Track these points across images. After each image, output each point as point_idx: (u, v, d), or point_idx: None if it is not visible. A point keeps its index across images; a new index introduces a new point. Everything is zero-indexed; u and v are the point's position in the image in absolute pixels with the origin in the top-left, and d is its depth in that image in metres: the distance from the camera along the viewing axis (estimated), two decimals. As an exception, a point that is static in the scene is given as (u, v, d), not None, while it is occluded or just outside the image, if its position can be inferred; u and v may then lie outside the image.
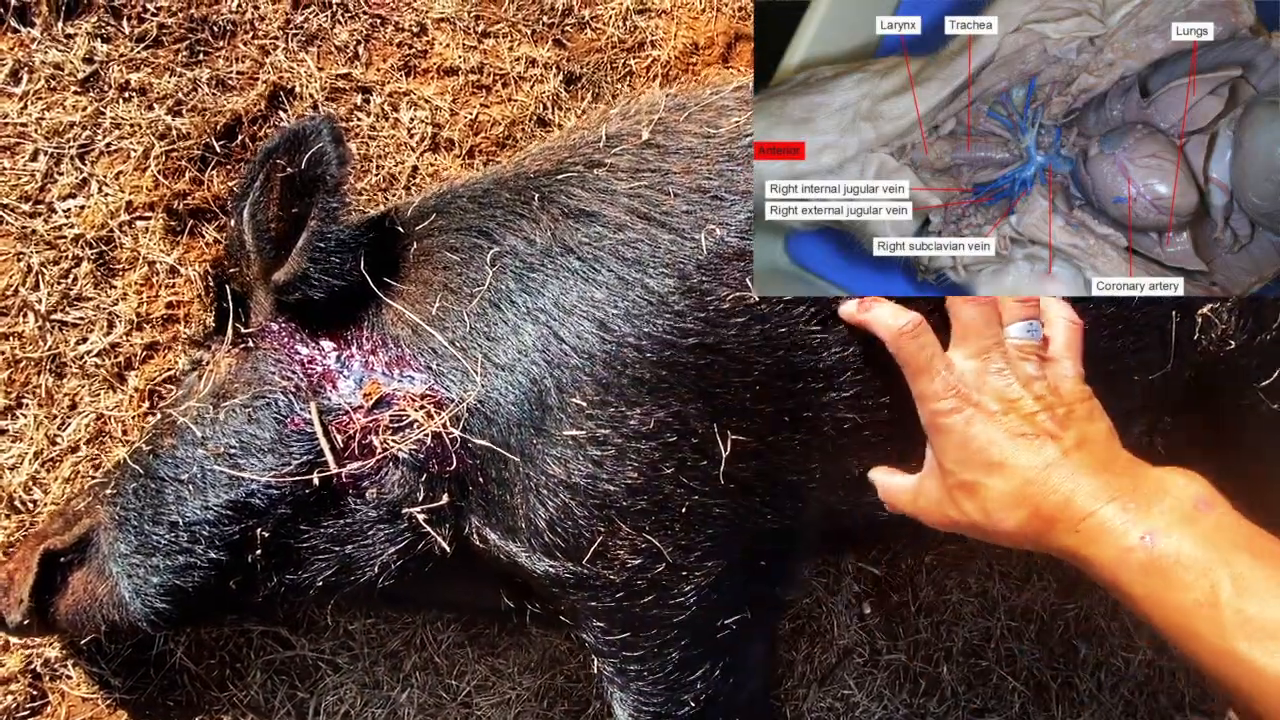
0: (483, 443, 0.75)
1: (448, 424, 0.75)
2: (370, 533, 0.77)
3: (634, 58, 1.30)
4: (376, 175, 1.14)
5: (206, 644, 0.99)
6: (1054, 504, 0.61)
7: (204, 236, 1.08)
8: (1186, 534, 0.57)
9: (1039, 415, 0.65)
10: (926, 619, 1.22)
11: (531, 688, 1.07)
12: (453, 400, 0.76)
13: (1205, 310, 0.93)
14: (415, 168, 1.17)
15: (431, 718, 1.04)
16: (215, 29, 1.12)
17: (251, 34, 1.13)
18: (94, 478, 0.95)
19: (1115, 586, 0.59)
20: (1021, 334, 0.69)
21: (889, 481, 0.74)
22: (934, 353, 0.68)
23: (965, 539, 1.22)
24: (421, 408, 0.75)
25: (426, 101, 1.18)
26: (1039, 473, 0.62)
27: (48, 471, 0.98)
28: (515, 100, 1.22)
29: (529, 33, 1.25)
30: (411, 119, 1.17)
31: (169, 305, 1.05)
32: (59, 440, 0.99)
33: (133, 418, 1.00)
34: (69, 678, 0.95)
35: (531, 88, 1.23)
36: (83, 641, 0.90)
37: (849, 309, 0.71)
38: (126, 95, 1.07)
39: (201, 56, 1.11)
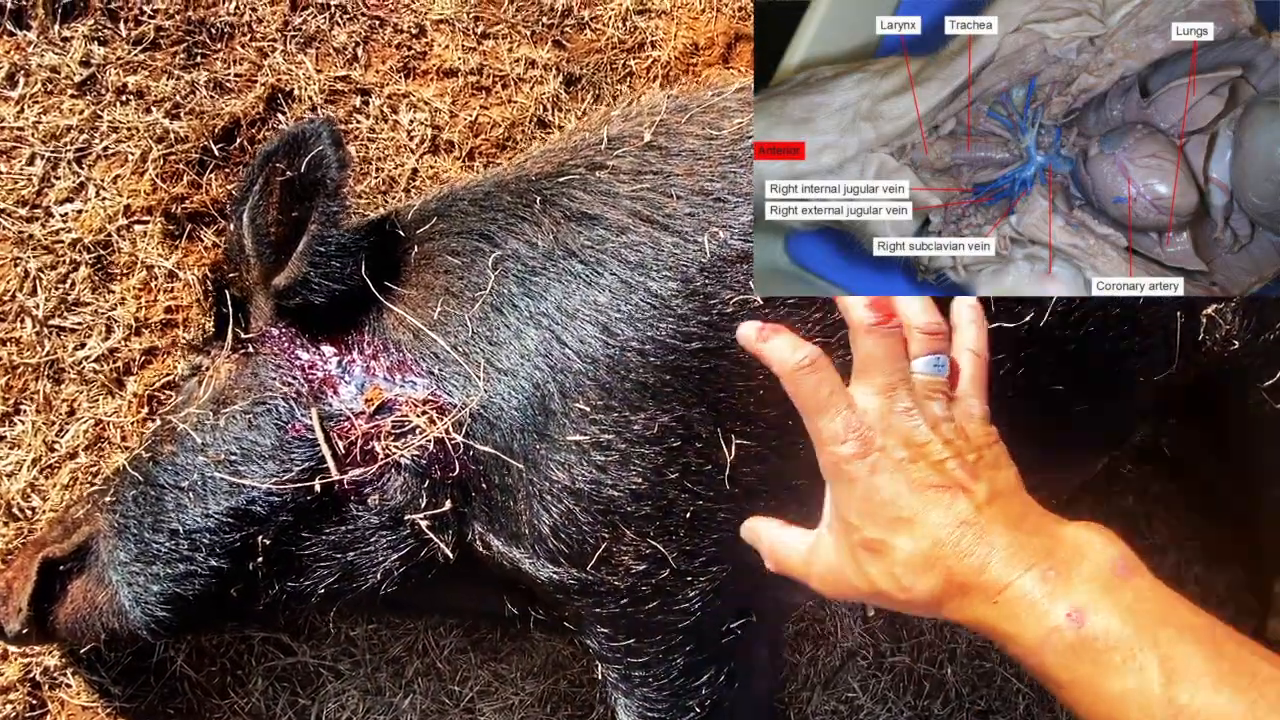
0: (485, 448, 0.74)
1: (450, 429, 0.74)
2: (373, 539, 0.77)
3: (634, 58, 1.29)
4: (376, 178, 1.14)
5: (207, 651, 0.98)
6: (968, 569, 0.56)
7: (202, 240, 1.07)
8: (1111, 609, 0.52)
9: (949, 463, 0.59)
10: (930, 621, 1.21)
11: (534, 693, 1.07)
12: (455, 405, 0.75)
13: (1209, 311, 0.93)
14: (415, 170, 1.16)
15: (434, 724, 1.03)
16: (213, 31, 1.11)
17: (249, 36, 1.13)
18: (93, 484, 0.94)
19: (1039, 670, 0.54)
20: (928, 369, 0.62)
21: (776, 537, 0.66)
22: (833, 389, 0.61)
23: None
24: (424, 413, 0.75)
25: (426, 103, 1.18)
26: (951, 532, 0.56)
27: (46, 478, 0.97)
28: (515, 102, 1.22)
29: (528, 34, 1.24)
30: (411, 121, 1.17)
31: (168, 310, 1.04)
32: (57, 447, 0.98)
33: (132, 423, 1.00)
34: (68, 686, 0.95)
35: (531, 89, 1.22)
36: (82, 650, 0.89)
37: (747, 333, 0.64)
38: (124, 98, 1.07)
39: (199, 59, 1.11)
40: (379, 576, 0.77)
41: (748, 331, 0.64)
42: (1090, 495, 1.31)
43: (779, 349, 0.63)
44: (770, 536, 0.66)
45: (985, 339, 0.66)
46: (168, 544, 0.76)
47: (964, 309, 0.68)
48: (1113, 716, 0.51)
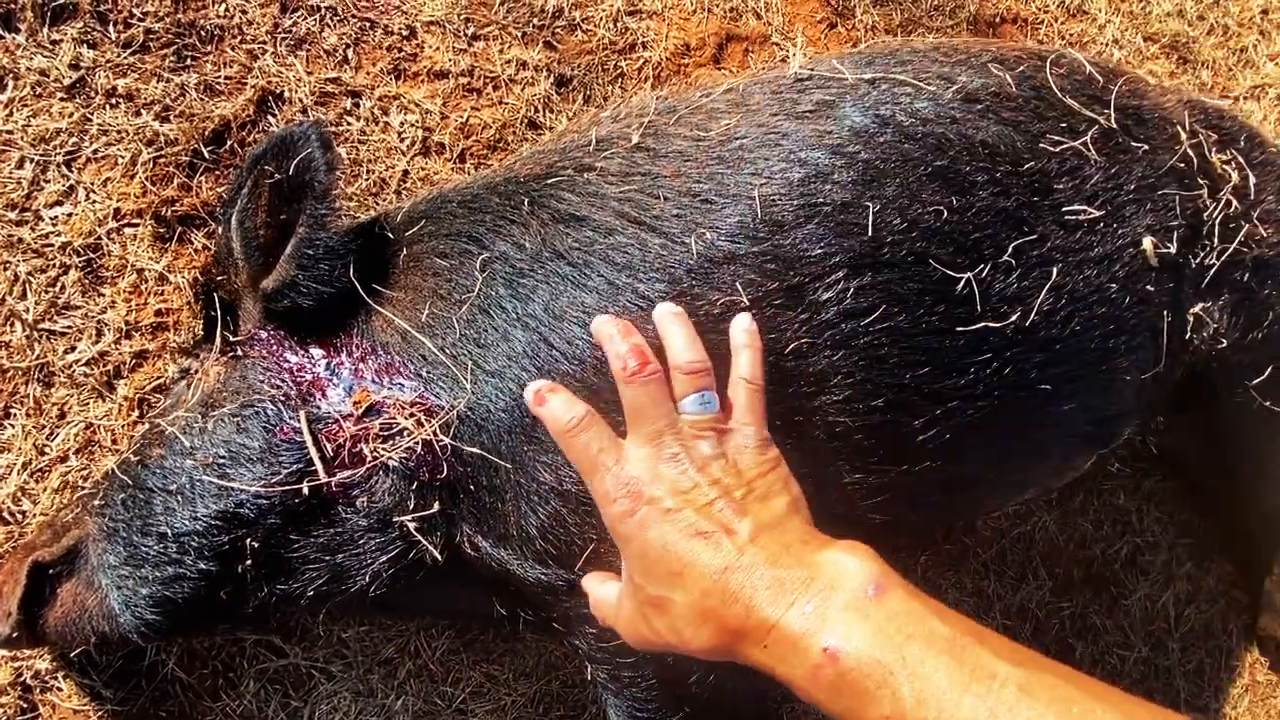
0: (473, 450, 0.74)
1: (437, 432, 0.74)
2: (361, 541, 0.77)
3: (625, 59, 1.29)
4: (366, 180, 1.14)
5: (199, 654, 0.98)
6: (738, 615, 0.57)
7: (193, 243, 1.07)
8: (864, 634, 0.53)
9: (716, 504, 0.60)
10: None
11: (527, 694, 1.07)
12: (443, 407, 0.75)
13: (1196, 309, 0.93)
14: (406, 172, 1.16)
15: (426, 725, 1.03)
16: (203, 34, 1.11)
17: (239, 38, 1.12)
18: (84, 488, 0.94)
19: (817, 706, 0.55)
20: (694, 408, 0.63)
21: (596, 592, 0.67)
22: (602, 448, 0.62)
23: (950, 545, 1.23)
24: (411, 415, 0.75)
25: (417, 105, 1.17)
26: (717, 579, 0.57)
27: (36, 482, 0.97)
28: (506, 103, 1.21)
29: (519, 35, 1.24)
30: (402, 123, 1.17)
31: (158, 313, 1.04)
32: (48, 450, 0.98)
33: (122, 427, 1.00)
34: (60, 690, 0.94)
35: (522, 90, 1.22)
36: (73, 653, 0.89)
37: (527, 396, 0.66)
38: (113, 101, 1.06)
39: (189, 62, 1.10)
40: (368, 578, 0.77)
41: (528, 395, 0.66)
42: (1082, 493, 1.32)
43: (553, 410, 0.65)
44: (592, 591, 0.68)
45: (759, 364, 0.67)
46: (156, 547, 0.76)
47: (737, 333, 0.68)
48: None
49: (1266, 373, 1.00)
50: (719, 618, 0.58)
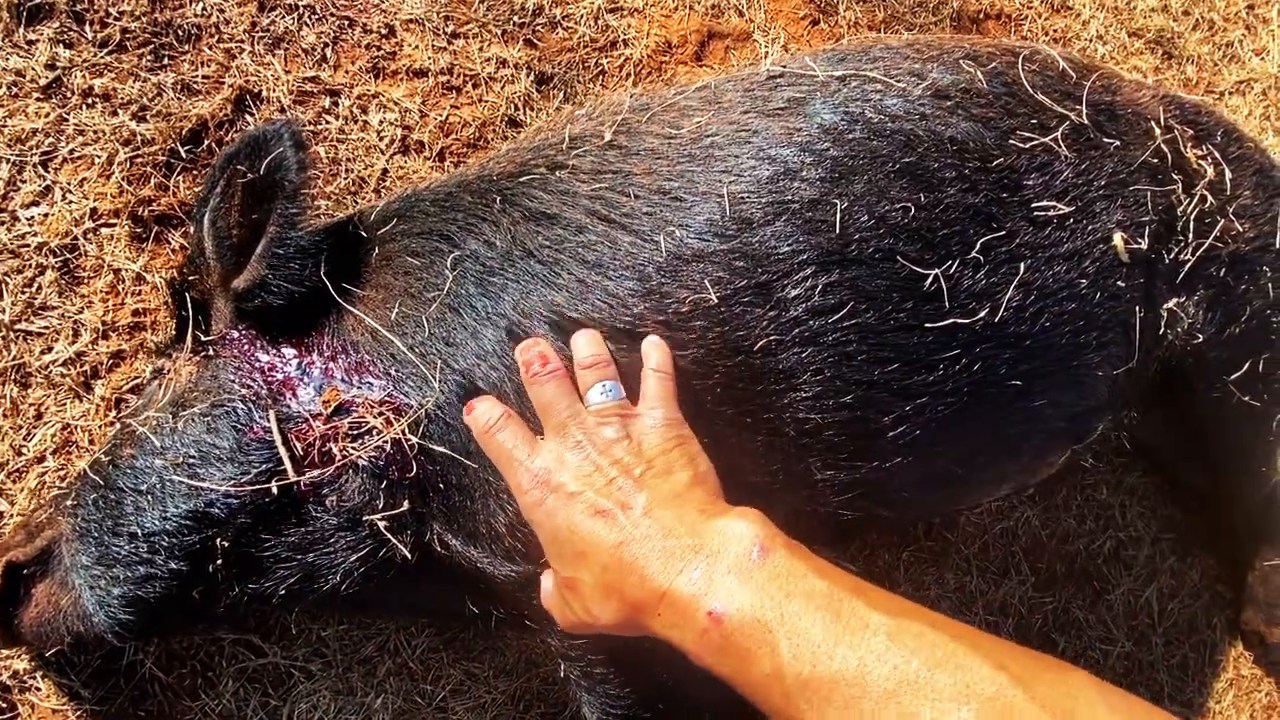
0: (441, 449, 0.74)
1: (406, 431, 0.74)
2: (332, 540, 0.77)
3: (606, 57, 1.29)
4: (345, 179, 1.14)
5: (177, 653, 0.98)
6: (633, 586, 0.58)
7: (170, 243, 1.07)
8: (746, 594, 0.55)
9: (615, 483, 0.62)
10: (904, 615, 1.22)
11: (507, 691, 1.07)
12: (411, 406, 0.75)
13: (1170, 304, 0.93)
14: (385, 170, 1.16)
15: (406, 723, 1.04)
16: (180, 33, 1.11)
17: (217, 37, 1.12)
18: (60, 488, 0.94)
19: (710, 670, 0.57)
20: (598, 398, 0.67)
21: (543, 583, 0.70)
22: (515, 444, 0.66)
23: (932, 541, 1.23)
24: (380, 414, 0.75)
25: (396, 104, 1.17)
26: (614, 552, 0.59)
27: (14, 482, 0.97)
28: (486, 101, 1.21)
29: (499, 33, 1.24)
30: (381, 121, 1.16)
31: (135, 313, 1.04)
32: (25, 451, 0.98)
33: (100, 427, 1.00)
34: (38, 689, 0.95)
35: (502, 88, 1.22)
36: (49, 653, 0.89)
37: (465, 414, 0.70)
38: (90, 101, 1.06)
39: (166, 61, 1.10)
40: (339, 577, 0.78)
41: (464, 413, 0.70)
42: (1064, 488, 1.32)
43: (476, 414, 0.69)
44: (542, 582, 0.71)
45: (668, 359, 0.71)
46: (127, 547, 0.76)
47: (647, 342, 0.73)
48: (765, 702, 0.54)
49: (1244, 368, 1.00)
50: (619, 591, 0.60)
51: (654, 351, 0.71)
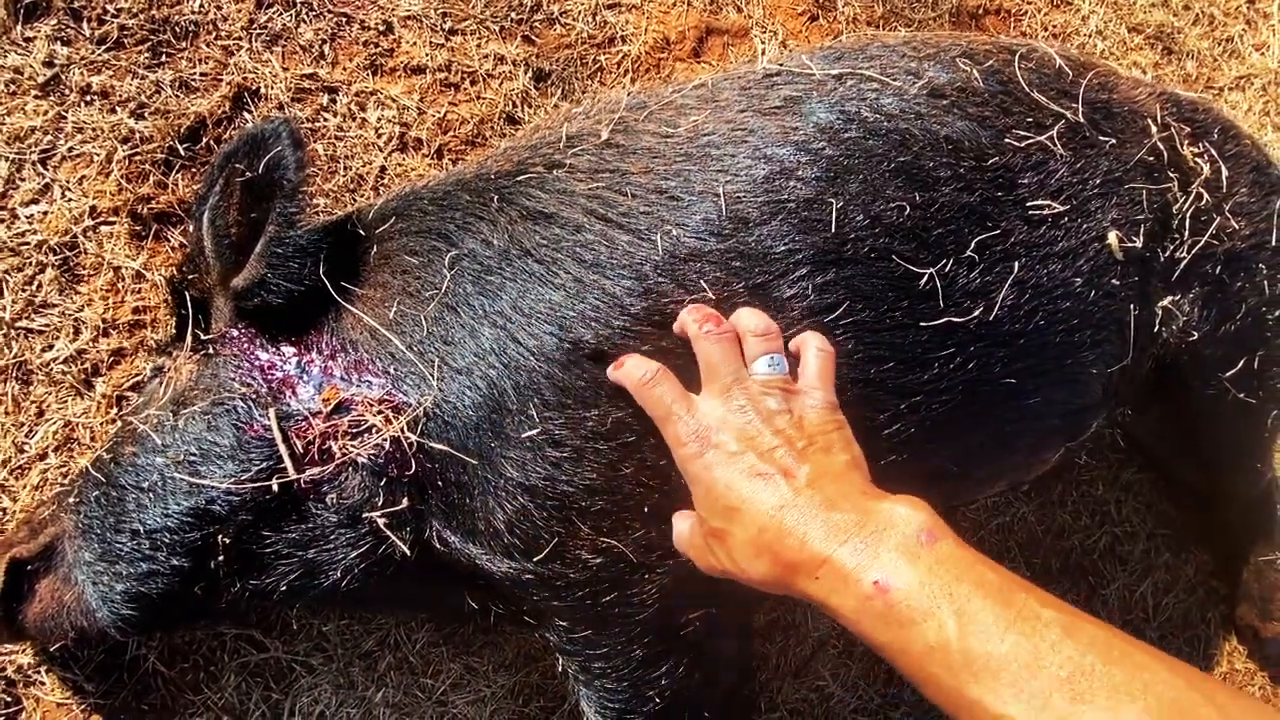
0: (440, 446, 0.75)
1: (405, 429, 0.75)
2: (332, 537, 0.77)
3: (604, 53, 1.29)
4: (344, 176, 1.14)
5: (180, 648, 0.99)
6: (791, 549, 0.61)
7: (169, 241, 1.07)
8: (914, 572, 0.56)
9: (777, 451, 0.64)
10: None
11: (507, 685, 1.08)
12: (410, 404, 0.76)
13: (1165, 302, 0.94)
14: (383, 168, 1.16)
15: (407, 717, 1.05)
16: (177, 30, 1.11)
17: (214, 34, 1.12)
18: (62, 485, 0.95)
19: (862, 636, 0.58)
20: (764, 369, 0.69)
21: (676, 525, 0.72)
22: (674, 398, 0.68)
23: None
24: (379, 412, 0.75)
25: (394, 101, 1.17)
26: (773, 515, 0.61)
27: (16, 479, 0.98)
28: (484, 98, 1.21)
29: (497, 29, 1.24)
30: (379, 119, 1.17)
31: (135, 310, 1.04)
32: (26, 448, 0.98)
33: (101, 424, 1.00)
34: (42, 683, 0.96)
35: (500, 85, 1.22)
36: (53, 648, 0.90)
37: (608, 371, 0.72)
38: (88, 99, 1.06)
39: (164, 58, 1.10)
40: (339, 573, 0.78)
41: (609, 370, 0.72)
42: (1060, 484, 1.33)
43: (629, 370, 0.71)
44: (675, 524, 0.73)
45: (827, 342, 0.73)
46: (130, 544, 0.77)
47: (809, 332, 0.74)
48: (923, 673, 0.55)
49: (1239, 365, 1.01)
50: (774, 551, 0.61)
51: (817, 333, 0.74)
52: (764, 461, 0.64)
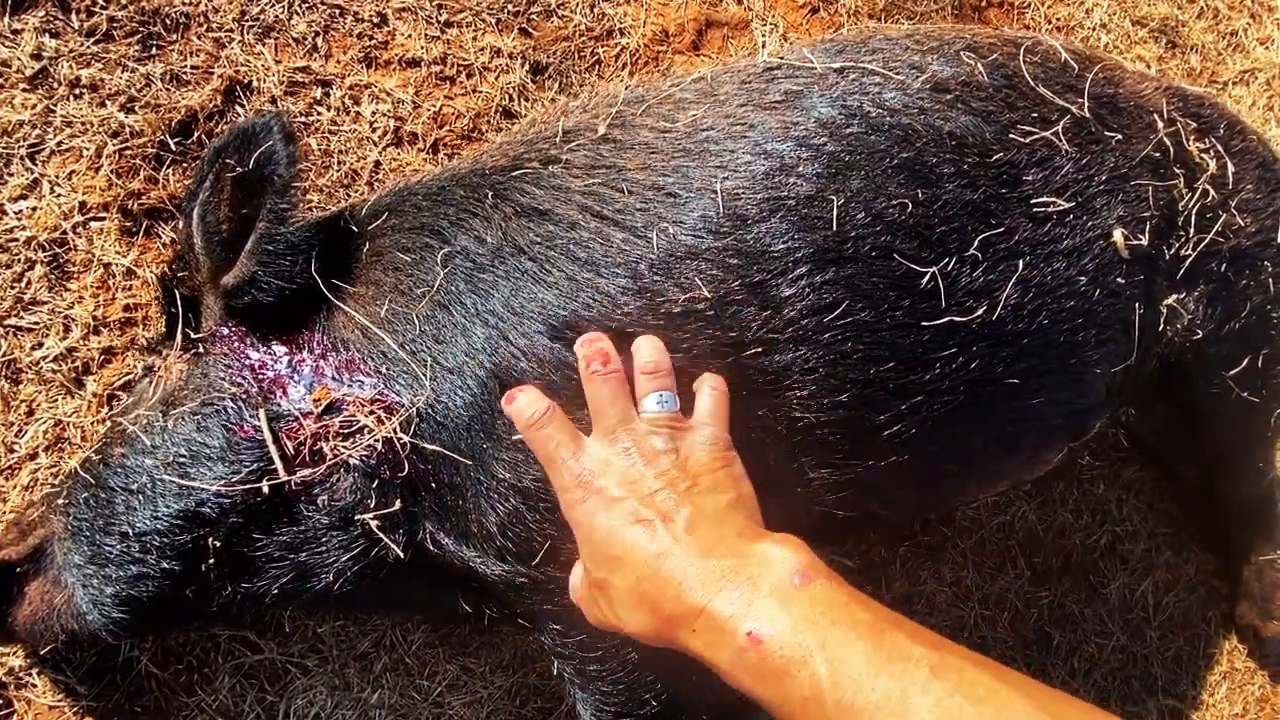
0: (433, 447, 0.74)
1: (397, 429, 0.74)
2: (324, 540, 0.76)
3: (602, 46, 1.27)
4: (338, 171, 1.12)
5: (173, 650, 0.99)
6: (669, 599, 0.58)
7: (160, 237, 1.06)
8: (788, 618, 0.55)
9: (659, 494, 0.62)
10: (901, 609, 1.21)
11: (504, 686, 1.07)
12: (403, 405, 0.75)
13: (1170, 301, 0.92)
14: (378, 163, 1.14)
15: (403, 718, 1.04)
16: (168, 22, 1.09)
17: (205, 26, 1.10)
18: (53, 486, 0.94)
19: (744, 690, 0.57)
20: (653, 407, 0.67)
21: (572, 575, 0.70)
22: (561, 441, 0.65)
23: (928, 535, 1.23)
24: (371, 413, 0.74)
25: (388, 94, 1.16)
26: (651, 564, 0.59)
27: (6, 479, 0.97)
28: (480, 92, 1.20)
29: (493, 21, 1.22)
30: (373, 113, 1.15)
31: (126, 308, 1.03)
32: (16, 448, 0.97)
33: (92, 423, 0.99)
34: (34, 686, 0.95)
35: (497, 78, 1.20)
36: (43, 651, 0.89)
37: (503, 403, 0.69)
38: (77, 92, 1.05)
39: (154, 51, 1.08)
40: (332, 576, 0.77)
41: (501, 401, 0.70)
42: (1061, 482, 1.32)
43: (519, 405, 0.68)
44: (571, 574, 0.71)
45: (722, 379, 0.70)
46: (119, 546, 0.76)
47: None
48: None
49: (1243, 364, 1.00)
50: (652, 601, 0.60)
51: (713, 374, 0.72)
52: (645, 507, 0.62)
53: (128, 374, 1.01)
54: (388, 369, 0.76)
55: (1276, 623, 1.28)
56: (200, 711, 0.98)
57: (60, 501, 0.82)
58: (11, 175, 1.02)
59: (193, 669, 0.99)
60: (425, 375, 0.74)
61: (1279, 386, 1.04)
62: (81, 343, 1.01)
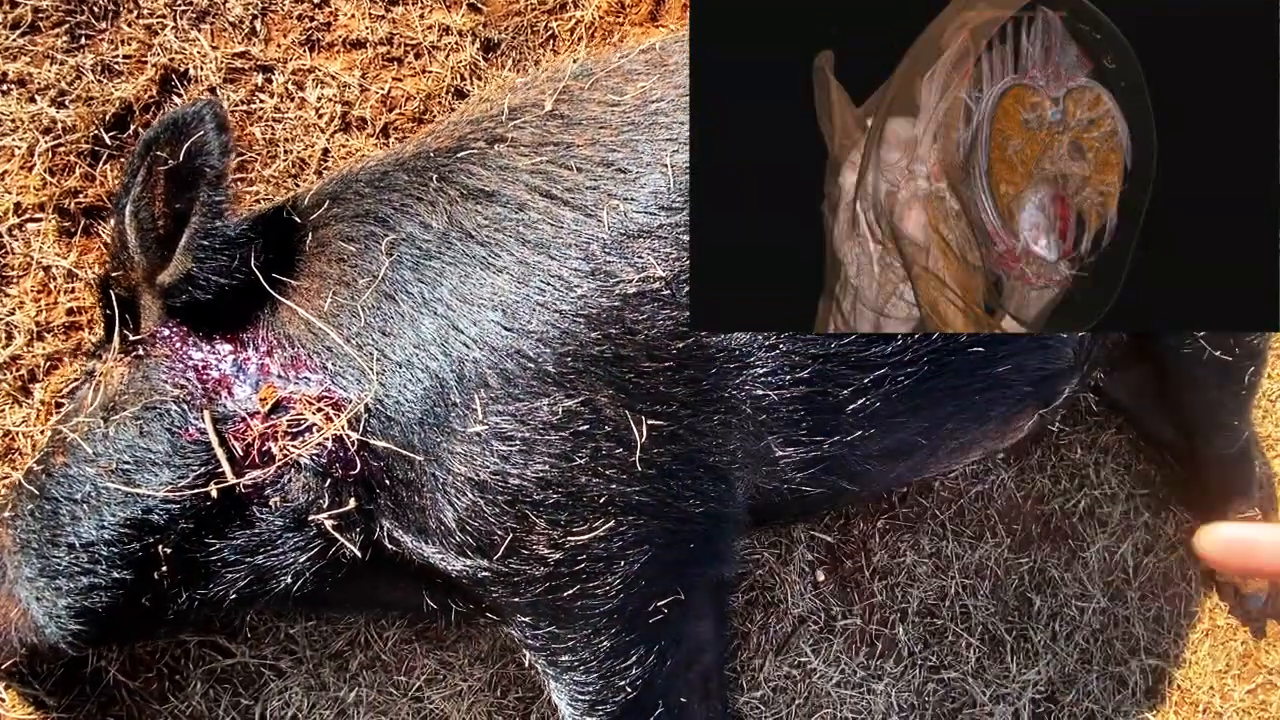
0: (383, 444, 0.72)
1: (346, 426, 0.71)
2: (279, 541, 0.74)
3: (555, 20, 1.23)
4: (284, 161, 1.08)
5: (142, 658, 0.97)
6: None
7: (101, 236, 1.02)
8: None
9: None
10: (881, 582, 1.22)
11: (483, 678, 1.06)
12: (350, 400, 0.72)
13: (1139, 261, 0.91)
14: (326, 150, 1.10)
15: (382, 715, 1.03)
16: (96, 10, 1.04)
17: (136, 13, 1.05)
18: (1, 498, 0.91)
19: None
20: None
21: (1253, 536, 0.44)
22: None
23: (907, 507, 1.22)
24: (319, 410, 0.72)
25: (334, 78, 1.11)
26: None
27: (-45, 493, 0.94)
28: (430, 72, 1.15)
29: (442, -2, 1.18)
30: (319, 98, 1.11)
31: (69, 312, 0.99)
32: (-36, 460, 0.94)
33: (41, 432, 0.96)
34: (2, 700, 0.93)
35: (447, 58, 1.16)
36: (5, 665, 0.87)
37: None
38: (4, 88, 1.00)
39: (83, 41, 1.04)
40: (291, 578, 0.76)
41: None
42: (1039, 449, 1.32)
43: None
44: (1246, 536, 0.50)
45: None
46: (68, 558, 0.74)
47: None
48: None
49: (1216, 322, 0.98)
50: None
51: None
52: None
53: (75, 380, 0.97)
54: (334, 364, 0.73)
55: (1256, 580, 1.29)
56: (174, 718, 0.97)
57: (6, 514, 0.80)
58: (-61, 178, 0.97)
59: (164, 676, 0.97)
60: (372, 369, 0.72)
61: (1252, 345, 1.03)
62: (25, 350, 0.97)
